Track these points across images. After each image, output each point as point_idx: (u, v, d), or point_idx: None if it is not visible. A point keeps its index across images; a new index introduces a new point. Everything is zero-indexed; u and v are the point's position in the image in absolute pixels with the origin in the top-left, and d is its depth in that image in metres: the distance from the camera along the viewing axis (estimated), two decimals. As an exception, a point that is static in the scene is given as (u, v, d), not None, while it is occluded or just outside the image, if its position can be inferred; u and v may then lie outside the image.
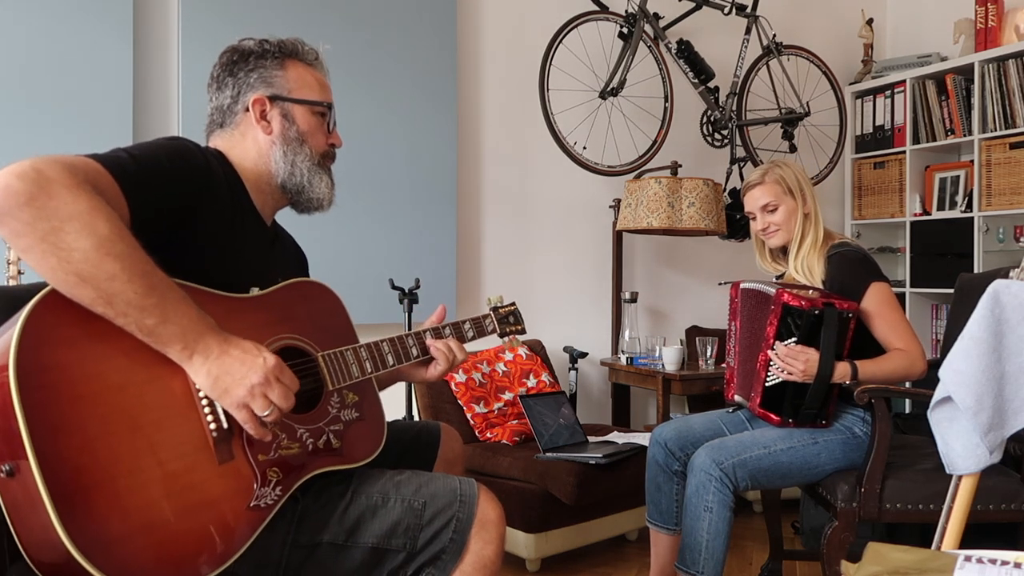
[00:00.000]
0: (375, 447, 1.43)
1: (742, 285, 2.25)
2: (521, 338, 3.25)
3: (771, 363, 2.06)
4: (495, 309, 1.74)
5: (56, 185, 1.04)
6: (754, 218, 2.29)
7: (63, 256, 1.04)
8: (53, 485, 1.00)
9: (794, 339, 2.03)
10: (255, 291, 1.34)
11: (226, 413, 1.19)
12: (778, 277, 2.35)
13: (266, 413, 1.18)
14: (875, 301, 2.08)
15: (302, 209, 1.50)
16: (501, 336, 1.75)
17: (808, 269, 2.17)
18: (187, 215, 1.24)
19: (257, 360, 1.17)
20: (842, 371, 2.02)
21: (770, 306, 2.08)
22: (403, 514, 1.32)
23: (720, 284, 2.58)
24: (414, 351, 1.53)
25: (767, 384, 2.08)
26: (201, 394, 1.17)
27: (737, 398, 2.25)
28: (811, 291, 2.09)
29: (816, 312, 2.00)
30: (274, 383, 1.18)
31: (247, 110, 1.41)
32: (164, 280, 1.13)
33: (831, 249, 2.17)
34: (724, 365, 2.35)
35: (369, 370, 1.43)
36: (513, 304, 1.78)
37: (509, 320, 1.75)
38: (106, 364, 1.10)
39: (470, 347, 1.87)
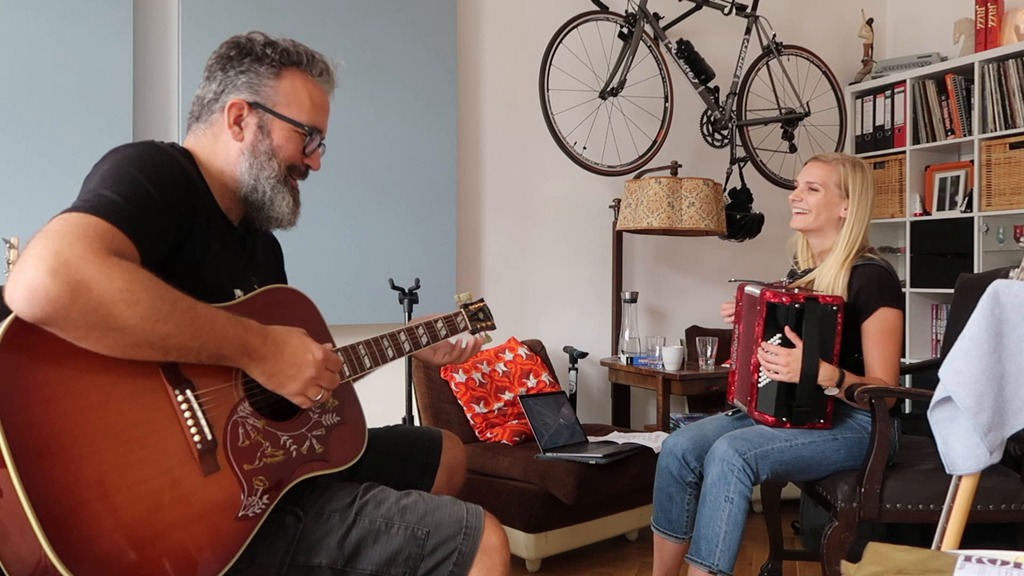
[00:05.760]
0: (357, 451, 1.43)
1: (746, 288, 2.23)
2: (521, 337, 3.28)
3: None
4: (465, 306, 1.75)
5: (89, 271, 1.03)
6: (795, 187, 2.26)
7: (117, 336, 1.06)
8: (41, 507, 0.98)
9: (779, 336, 2.02)
10: (239, 294, 1.34)
11: (210, 424, 1.18)
12: (790, 273, 2.34)
13: (319, 397, 1.29)
14: (877, 326, 2.07)
15: (260, 225, 1.44)
16: (473, 332, 1.75)
17: (832, 278, 2.13)
18: (183, 231, 1.24)
19: (307, 356, 1.27)
20: (828, 373, 2.00)
21: (757, 307, 2.08)
22: (405, 543, 1.30)
23: (730, 281, 2.55)
24: (390, 352, 1.53)
25: (759, 385, 2.08)
26: (184, 407, 1.16)
27: (736, 402, 2.25)
28: (797, 289, 2.08)
29: (797, 306, 1.99)
30: (324, 373, 1.29)
31: (224, 111, 1.36)
32: (205, 312, 1.16)
33: (859, 261, 2.14)
34: (726, 364, 2.35)
35: (347, 373, 1.42)
36: (482, 301, 1.79)
37: (479, 316, 1.76)
38: (86, 380, 1.08)
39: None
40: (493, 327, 1.78)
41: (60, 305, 1.01)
